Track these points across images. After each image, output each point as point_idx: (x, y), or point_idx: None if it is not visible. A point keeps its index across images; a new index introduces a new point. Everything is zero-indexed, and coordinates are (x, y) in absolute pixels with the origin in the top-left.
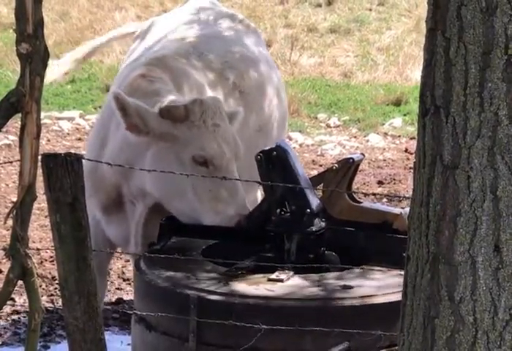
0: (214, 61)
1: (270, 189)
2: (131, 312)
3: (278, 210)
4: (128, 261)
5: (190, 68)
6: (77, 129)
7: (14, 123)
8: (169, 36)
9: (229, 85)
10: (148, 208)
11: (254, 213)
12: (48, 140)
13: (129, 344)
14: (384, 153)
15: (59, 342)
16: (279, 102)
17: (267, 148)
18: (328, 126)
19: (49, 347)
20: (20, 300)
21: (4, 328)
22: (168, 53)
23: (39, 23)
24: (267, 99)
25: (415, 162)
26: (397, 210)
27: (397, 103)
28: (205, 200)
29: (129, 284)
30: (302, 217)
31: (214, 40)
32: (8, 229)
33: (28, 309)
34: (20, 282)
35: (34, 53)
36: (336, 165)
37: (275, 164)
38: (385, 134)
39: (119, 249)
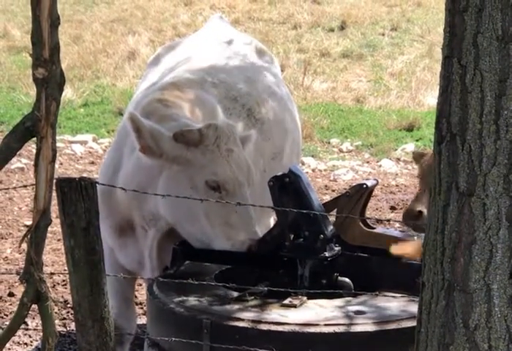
0: (230, 88)
1: (283, 215)
2: (144, 336)
3: (292, 236)
4: (140, 285)
5: (204, 94)
6: (90, 152)
7: (28, 146)
8: (185, 63)
9: (244, 112)
10: (161, 233)
11: (266, 238)
12: (61, 164)
13: None
14: (396, 178)
15: None
16: (294, 129)
17: (279, 173)
18: (341, 151)
19: None
20: (33, 323)
21: None
22: (183, 78)
23: (56, 48)
24: (282, 127)
25: (430, 189)
26: (410, 237)
27: (410, 128)
28: (217, 225)
29: (142, 308)
30: (315, 243)
31: (230, 68)
32: (21, 253)
33: (41, 333)
34: (32, 306)
35: (50, 78)
36: (349, 191)
37: (288, 190)
38: (398, 159)
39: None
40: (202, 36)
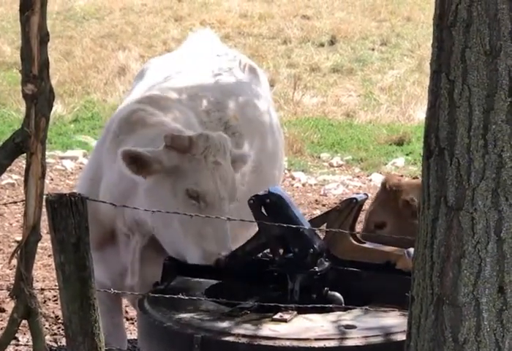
0: (207, 101)
1: (264, 232)
2: None
3: (281, 251)
4: None
5: (180, 107)
6: (81, 168)
7: (18, 162)
8: (168, 78)
9: (221, 126)
10: (145, 239)
11: (237, 254)
12: (52, 179)
13: None
14: None
15: None
16: (275, 142)
17: (260, 193)
18: (331, 165)
19: None
20: (24, 339)
21: None
22: (159, 92)
23: (45, 64)
24: (261, 140)
25: (419, 203)
26: (400, 251)
27: (400, 143)
28: (190, 234)
29: (133, 323)
30: (305, 257)
31: (212, 82)
32: (11, 269)
33: (31, 348)
34: (23, 321)
35: (39, 94)
36: (339, 205)
37: (270, 210)
38: (388, 173)
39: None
40: (188, 51)
